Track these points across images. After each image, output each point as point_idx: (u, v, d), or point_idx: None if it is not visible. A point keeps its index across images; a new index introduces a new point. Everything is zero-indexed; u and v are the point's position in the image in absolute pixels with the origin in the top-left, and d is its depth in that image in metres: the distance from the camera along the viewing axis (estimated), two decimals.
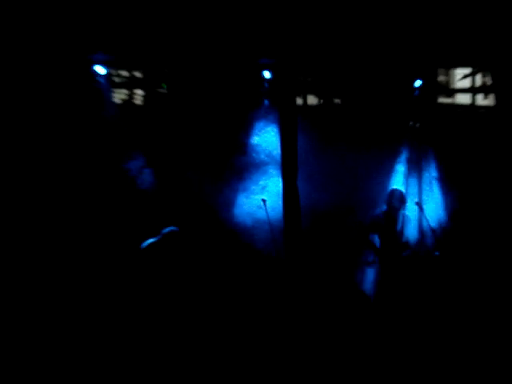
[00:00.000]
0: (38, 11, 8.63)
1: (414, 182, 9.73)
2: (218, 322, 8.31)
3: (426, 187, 9.69)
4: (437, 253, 9.09)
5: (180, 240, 8.50)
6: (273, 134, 9.63)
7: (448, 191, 9.48)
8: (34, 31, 8.81)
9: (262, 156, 9.72)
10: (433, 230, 9.32)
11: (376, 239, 9.11)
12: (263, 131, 9.76)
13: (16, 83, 9.11)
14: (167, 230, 8.40)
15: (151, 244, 8.36)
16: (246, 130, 9.74)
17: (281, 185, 8.98)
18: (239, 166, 9.69)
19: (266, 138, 9.77)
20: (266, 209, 9.38)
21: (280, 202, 9.04)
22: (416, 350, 7.64)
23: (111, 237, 9.15)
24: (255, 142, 9.74)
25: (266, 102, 9.83)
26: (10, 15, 8.56)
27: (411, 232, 9.21)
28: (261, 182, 9.72)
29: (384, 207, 9.13)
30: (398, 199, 9.05)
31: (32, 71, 9.06)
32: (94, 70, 9.30)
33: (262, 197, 9.51)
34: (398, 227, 9.07)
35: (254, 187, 9.70)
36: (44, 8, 8.61)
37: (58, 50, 9.02)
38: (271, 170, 9.66)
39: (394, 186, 9.34)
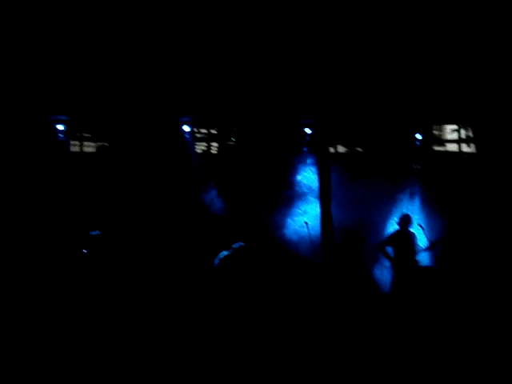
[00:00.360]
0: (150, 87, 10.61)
1: (416, 208, 11.60)
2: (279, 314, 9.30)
3: (424, 213, 11.49)
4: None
5: (247, 253, 9.84)
6: (311, 172, 11.53)
7: (442, 215, 11.20)
8: (146, 101, 10.84)
9: (304, 189, 11.56)
10: (431, 244, 10.69)
11: (390, 250, 10.61)
12: (304, 171, 11.65)
13: (122, 141, 11.31)
14: (237, 244, 9.73)
15: (226, 256, 9.64)
16: (292, 171, 11.58)
17: (318, 209, 10.80)
18: (287, 196, 11.49)
19: (306, 176, 11.63)
20: (308, 228, 11.02)
21: (317, 222, 10.89)
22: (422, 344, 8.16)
23: (189, 250, 10.73)
24: (298, 179, 11.60)
25: (306, 149, 11.69)
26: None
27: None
28: (303, 208, 11.50)
29: (397, 227, 10.78)
30: (407, 221, 10.73)
31: (142, 131, 11.25)
32: (182, 129, 11.46)
33: (305, 219, 11.24)
34: (407, 242, 10.60)
35: (298, 211, 11.48)
36: (153, 84, 10.59)
37: (158, 114, 11.15)
38: (310, 199, 11.48)
39: (404, 212, 11.08)
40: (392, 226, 11.22)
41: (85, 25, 9.96)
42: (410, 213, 11.11)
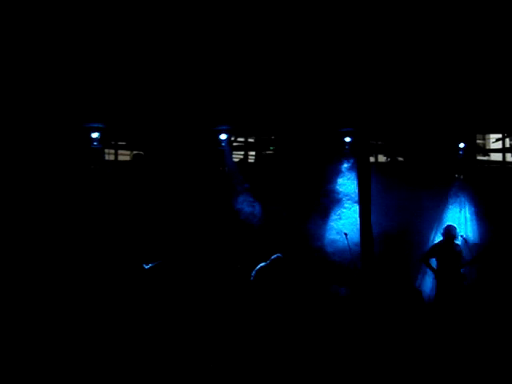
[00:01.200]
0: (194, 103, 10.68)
1: (460, 219, 11.44)
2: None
3: (468, 224, 11.39)
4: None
5: (285, 264, 9.90)
6: (351, 181, 11.45)
7: (485, 227, 11.18)
8: (187, 117, 10.92)
9: (343, 198, 11.50)
10: (475, 257, 10.54)
11: (434, 261, 10.44)
12: (344, 180, 11.55)
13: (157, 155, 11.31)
14: (274, 256, 9.86)
15: (262, 267, 9.80)
16: (331, 179, 11.47)
17: (358, 219, 10.65)
18: (325, 206, 11.42)
19: (346, 185, 11.53)
20: (347, 240, 10.86)
21: (357, 233, 10.75)
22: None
23: (226, 260, 10.71)
24: (338, 188, 11.51)
25: (346, 158, 11.56)
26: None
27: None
28: (342, 217, 11.45)
29: (441, 238, 10.57)
30: (452, 232, 10.44)
31: (178, 139, 11.32)
32: (219, 138, 11.35)
33: (344, 228, 11.16)
34: (451, 254, 10.32)
35: (337, 221, 11.45)
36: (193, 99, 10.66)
37: (195, 123, 11.12)
38: (350, 208, 11.41)
39: (449, 223, 10.82)
40: (436, 237, 11.16)
41: (123, 35, 9.93)
42: (454, 224, 10.87)
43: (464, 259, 10.53)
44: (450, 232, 10.52)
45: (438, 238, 10.84)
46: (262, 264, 9.89)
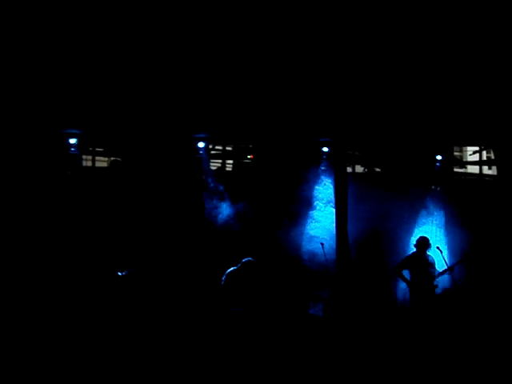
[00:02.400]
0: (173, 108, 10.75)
1: (436, 229, 11.54)
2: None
3: (444, 234, 11.47)
4: (459, 282, 10.35)
5: (255, 267, 9.92)
6: (327, 189, 11.60)
7: (460, 238, 11.10)
8: (165, 125, 10.94)
9: (320, 207, 11.61)
10: (449, 267, 10.34)
11: (407, 273, 10.42)
12: (320, 189, 11.67)
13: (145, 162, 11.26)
14: (245, 260, 9.91)
15: (232, 271, 9.88)
16: (308, 188, 11.54)
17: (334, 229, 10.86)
18: (302, 213, 11.48)
19: (323, 194, 11.65)
20: (323, 249, 10.81)
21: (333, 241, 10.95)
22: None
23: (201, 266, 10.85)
24: (315, 196, 11.61)
25: (323, 168, 11.66)
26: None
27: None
28: (318, 221, 11.59)
29: (414, 249, 10.54)
30: (425, 244, 10.43)
31: (155, 146, 11.25)
32: (197, 145, 11.34)
33: (319, 234, 11.34)
34: (424, 265, 10.29)
35: (313, 229, 11.53)
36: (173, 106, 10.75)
37: (173, 130, 11.14)
38: (326, 217, 11.55)
39: (422, 234, 10.82)
40: (411, 246, 11.12)
41: (100, 39, 9.95)
42: (428, 235, 10.89)
43: (436, 270, 10.51)
44: (422, 243, 10.53)
45: (412, 249, 10.84)
46: (232, 268, 9.96)
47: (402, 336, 9.61)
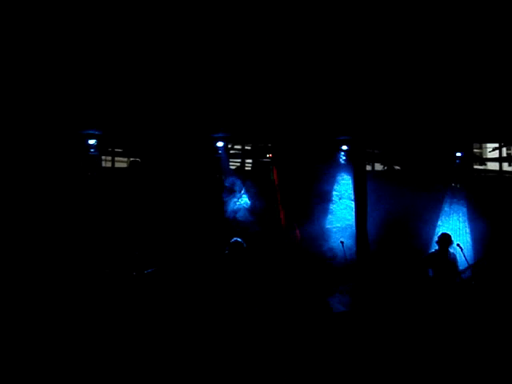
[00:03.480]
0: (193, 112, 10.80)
1: (456, 227, 11.51)
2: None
3: (465, 232, 11.45)
4: (473, 282, 10.49)
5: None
6: (347, 188, 11.65)
7: (481, 235, 11.24)
8: (184, 125, 11.00)
9: (340, 206, 11.68)
10: (470, 265, 10.58)
11: (430, 270, 10.41)
12: (340, 188, 11.72)
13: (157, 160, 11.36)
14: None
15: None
16: (328, 187, 11.62)
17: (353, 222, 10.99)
18: (322, 212, 11.56)
19: (343, 193, 11.72)
20: (343, 247, 11.08)
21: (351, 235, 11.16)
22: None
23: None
24: (335, 195, 11.68)
25: (343, 166, 11.72)
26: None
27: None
28: (339, 216, 11.67)
29: (436, 247, 10.50)
30: (447, 241, 10.39)
31: (174, 146, 11.36)
32: (216, 145, 11.42)
33: (340, 230, 11.46)
34: (446, 262, 10.28)
35: (335, 221, 11.64)
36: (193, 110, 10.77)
37: (192, 130, 11.18)
38: (347, 216, 11.60)
39: (443, 231, 10.80)
40: (432, 244, 11.19)
41: (119, 40, 9.87)
42: (449, 232, 10.81)
43: (458, 268, 10.50)
44: (444, 240, 10.49)
45: (434, 246, 10.83)
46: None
47: (423, 331, 9.65)
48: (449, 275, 10.37)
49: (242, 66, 10.38)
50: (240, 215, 11.45)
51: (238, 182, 11.58)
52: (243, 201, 11.53)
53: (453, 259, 10.50)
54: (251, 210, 11.48)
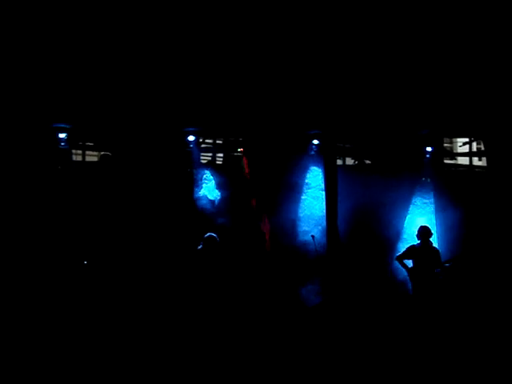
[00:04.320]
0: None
1: (427, 221, 11.44)
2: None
3: (436, 226, 11.46)
4: (447, 264, 10.36)
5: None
6: (317, 181, 11.62)
7: (451, 229, 11.32)
8: (155, 118, 10.93)
9: (309, 196, 11.65)
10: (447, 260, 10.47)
11: (410, 263, 10.38)
12: (310, 182, 11.67)
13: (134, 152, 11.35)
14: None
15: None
16: (298, 182, 11.58)
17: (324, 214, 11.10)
18: (292, 202, 11.51)
19: (313, 185, 11.66)
20: (314, 242, 10.79)
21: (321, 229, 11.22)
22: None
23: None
24: (305, 190, 11.64)
25: (313, 160, 11.67)
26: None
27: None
28: (309, 210, 11.61)
29: (417, 240, 10.43)
30: (426, 233, 10.35)
31: (145, 140, 11.25)
32: (187, 139, 11.32)
33: (311, 224, 11.45)
34: (426, 254, 10.25)
35: (305, 215, 11.57)
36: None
37: (163, 124, 11.11)
38: (316, 205, 11.60)
39: (422, 224, 10.71)
40: (402, 237, 11.41)
41: (89, 33, 9.94)
42: (427, 225, 10.80)
43: (441, 258, 10.51)
44: (423, 233, 10.48)
45: (405, 239, 11.09)
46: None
47: (401, 325, 9.89)
48: (430, 266, 10.37)
49: (213, 60, 10.42)
50: (211, 208, 11.45)
51: (209, 176, 11.56)
52: (214, 194, 11.52)
53: (435, 250, 10.51)
54: (222, 203, 11.49)
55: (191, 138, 11.39)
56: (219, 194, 11.52)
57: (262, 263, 11.05)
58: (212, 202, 11.49)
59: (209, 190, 11.51)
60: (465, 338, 9.31)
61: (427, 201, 11.71)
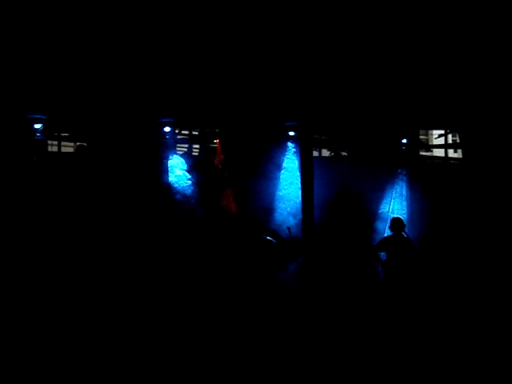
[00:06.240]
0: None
1: (402, 212, 11.63)
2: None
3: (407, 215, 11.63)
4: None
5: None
6: (293, 173, 11.65)
7: (426, 220, 11.41)
8: (131, 109, 10.99)
9: (286, 191, 11.72)
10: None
11: (383, 254, 10.40)
12: (288, 170, 11.70)
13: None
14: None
15: None
16: (274, 173, 11.60)
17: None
18: (269, 192, 11.58)
19: (289, 175, 11.69)
20: (290, 233, 11.16)
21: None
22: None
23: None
24: (281, 177, 11.68)
25: (290, 151, 11.69)
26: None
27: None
28: (286, 201, 11.67)
29: (390, 232, 10.47)
30: (399, 225, 10.35)
31: (121, 131, 11.23)
32: (163, 130, 11.34)
33: (287, 216, 11.53)
34: (400, 246, 10.24)
35: (282, 205, 11.63)
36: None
37: (139, 115, 11.06)
38: (293, 198, 11.64)
39: (395, 215, 10.88)
40: (376, 227, 11.54)
41: (64, 24, 9.92)
42: (399, 216, 10.87)
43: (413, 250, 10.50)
44: (397, 224, 10.49)
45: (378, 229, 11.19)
46: None
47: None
48: (404, 257, 10.39)
49: (189, 51, 10.43)
50: (186, 199, 11.47)
51: (185, 167, 11.54)
52: (189, 185, 11.54)
53: (408, 241, 10.49)
54: (197, 194, 11.51)
55: (167, 129, 11.41)
56: (195, 185, 11.54)
57: (232, 248, 11.17)
58: (187, 193, 11.50)
59: (182, 179, 11.51)
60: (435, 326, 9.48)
61: (402, 192, 11.80)
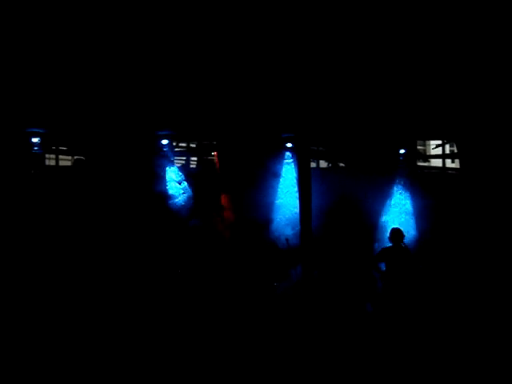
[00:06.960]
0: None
1: (399, 221, 11.59)
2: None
3: (407, 226, 11.51)
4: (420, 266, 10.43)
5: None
6: (291, 184, 11.74)
7: (425, 230, 11.44)
8: (128, 122, 11.02)
9: (283, 199, 11.80)
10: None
11: (383, 266, 10.37)
12: (286, 181, 11.80)
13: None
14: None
15: None
16: (272, 185, 11.66)
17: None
18: (267, 203, 11.61)
19: (287, 185, 11.80)
20: (288, 244, 11.15)
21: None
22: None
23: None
24: (279, 187, 11.76)
25: (288, 163, 11.79)
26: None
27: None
28: (284, 213, 11.72)
29: (389, 243, 10.41)
30: (399, 236, 10.33)
31: (119, 144, 11.31)
32: (161, 143, 11.43)
33: (285, 227, 11.59)
34: (399, 257, 10.23)
35: (280, 217, 11.71)
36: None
37: (136, 127, 11.14)
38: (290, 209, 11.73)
39: (394, 226, 10.70)
40: (376, 239, 11.49)
41: (62, 38, 9.93)
42: (399, 227, 10.78)
43: (412, 261, 10.47)
44: (396, 235, 10.45)
45: (377, 240, 11.17)
46: None
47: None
48: (403, 268, 10.35)
49: (186, 65, 10.45)
50: (183, 211, 11.53)
51: (183, 180, 11.60)
52: (186, 197, 11.61)
53: (407, 252, 10.46)
54: (195, 206, 11.58)
55: (165, 141, 11.48)
56: (192, 198, 11.60)
57: (227, 258, 11.22)
58: (185, 205, 11.57)
59: (179, 191, 11.58)
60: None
61: (401, 202, 11.80)
